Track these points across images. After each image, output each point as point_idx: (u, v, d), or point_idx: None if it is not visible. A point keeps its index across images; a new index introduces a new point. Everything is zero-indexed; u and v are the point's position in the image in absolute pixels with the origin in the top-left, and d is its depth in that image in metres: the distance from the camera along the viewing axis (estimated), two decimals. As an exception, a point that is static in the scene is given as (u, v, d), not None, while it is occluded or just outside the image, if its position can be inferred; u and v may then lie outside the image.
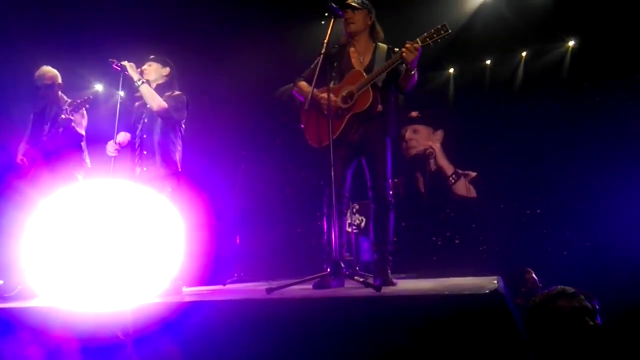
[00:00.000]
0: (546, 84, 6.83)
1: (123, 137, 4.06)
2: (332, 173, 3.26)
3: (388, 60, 3.55)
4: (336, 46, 3.69)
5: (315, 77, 3.37)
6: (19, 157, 4.54)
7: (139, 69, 4.03)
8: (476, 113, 7.08)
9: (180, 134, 4.13)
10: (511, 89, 7.09)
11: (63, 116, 4.35)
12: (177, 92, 4.10)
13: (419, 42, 3.36)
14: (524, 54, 7.09)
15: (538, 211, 6.52)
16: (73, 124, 4.40)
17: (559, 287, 2.21)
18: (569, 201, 6.25)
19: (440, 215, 7.02)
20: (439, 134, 7.42)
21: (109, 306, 2.72)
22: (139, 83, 3.95)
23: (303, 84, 3.72)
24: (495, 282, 3.33)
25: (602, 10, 6.05)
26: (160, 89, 4.07)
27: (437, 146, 7.42)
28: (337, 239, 3.31)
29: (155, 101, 3.92)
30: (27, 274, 3.15)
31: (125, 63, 3.98)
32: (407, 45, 3.34)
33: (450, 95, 7.46)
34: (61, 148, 4.40)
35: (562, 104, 6.61)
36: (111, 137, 4.03)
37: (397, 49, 3.60)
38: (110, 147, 4.01)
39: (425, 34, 3.37)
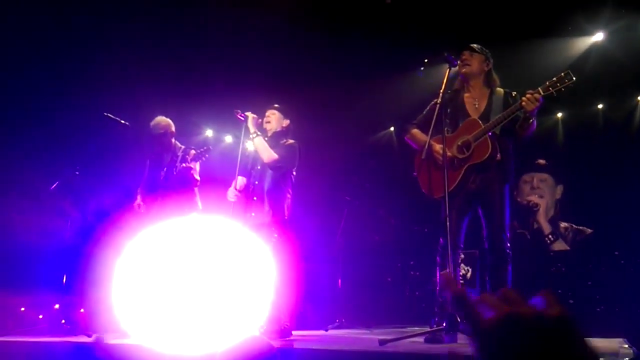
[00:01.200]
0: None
1: (241, 182, 4.26)
2: (448, 224, 3.20)
3: (505, 105, 3.48)
4: (449, 92, 3.64)
5: (432, 126, 3.36)
6: (137, 202, 4.86)
7: (260, 119, 4.23)
8: (590, 160, 6.76)
9: (290, 182, 4.24)
10: (627, 134, 6.69)
11: (183, 165, 4.62)
12: (290, 141, 4.24)
13: (541, 92, 3.25)
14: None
15: None
16: (192, 171, 4.67)
17: None
18: None
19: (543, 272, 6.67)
20: (560, 188, 7.11)
21: (203, 348, 2.71)
22: (254, 136, 4.14)
23: (416, 131, 3.71)
24: (626, 345, 3.09)
25: None
26: (275, 137, 4.24)
27: (544, 202, 7.11)
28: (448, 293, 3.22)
29: (266, 153, 4.07)
30: (121, 313, 3.13)
31: (248, 114, 4.18)
32: (528, 95, 3.25)
33: (560, 140, 7.16)
34: (177, 193, 4.65)
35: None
36: (224, 181, 4.25)
37: (515, 93, 3.54)
38: (231, 193, 4.18)
39: (547, 82, 3.26)
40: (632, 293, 5.84)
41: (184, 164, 4.61)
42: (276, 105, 4.36)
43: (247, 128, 4.18)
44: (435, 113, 3.38)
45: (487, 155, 3.38)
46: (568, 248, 6.81)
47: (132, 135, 5.30)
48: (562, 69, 6.22)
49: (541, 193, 7.19)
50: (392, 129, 8.10)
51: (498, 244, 3.41)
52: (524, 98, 3.26)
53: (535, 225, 7.11)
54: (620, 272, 6.18)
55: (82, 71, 5.66)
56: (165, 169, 4.82)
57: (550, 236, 6.99)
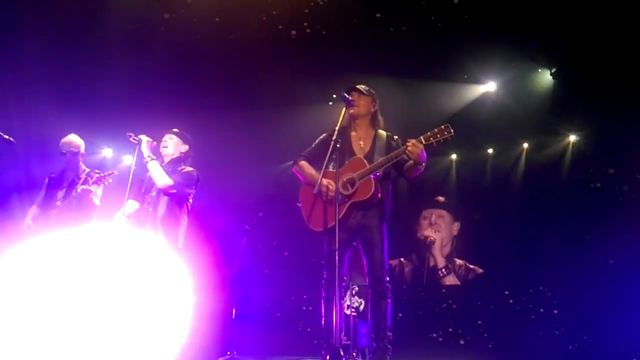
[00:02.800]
0: (547, 178, 6.93)
1: (131, 206, 4.09)
2: (337, 257, 3.25)
3: (388, 148, 3.65)
4: (338, 129, 3.68)
5: (327, 161, 3.44)
6: (27, 221, 4.55)
7: (155, 143, 4.13)
8: (482, 201, 7.20)
9: (186, 209, 4.16)
10: (513, 180, 7.19)
11: (84, 186, 4.41)
12: (188, 168, 4.18)
13: (423, 141, 3.43)
14: (525, 145, 7.24)
15: (555, 311, 6.37)
16: (91, 195, 4.46)
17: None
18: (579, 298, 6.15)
19: (435, 309, 6.93)
20: (457, 225, 7.41)
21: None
22: (148, 160, 4.04)
23: (304, 163, 3.78)
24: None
25: (602, 106, 6.24)
26: (173, 163, 4.17)
27: (439, 237, 7.41)
28: (337, 325, 3.27)
29: (160, 179, 3.99)
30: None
31: (142, 137, 4.08)
32: (409, 145, 3.41)
33: (452, 182, 7.56)
34: (73, 216, 4.42)
35: (562, 199, 6.68)
36: (119, 204, 4.07)
37: (397, 137, 3.74)
38: (118, 218, 4.02)
39: (428, 133, 3.44)
40: (521, 330, 6.18)
41: (84, 186, 4.41)
42: (175, 130, 4.30)
43: (140, 151, 4.06)
44: (330, 149, 3.46)
45: (370, 194, 3.51)
46: (459, 283, 7.10)
47: (18, 152, 4.99)
48: (455, 112, 6.71)
49: (438, 228, 7.48)
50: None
51: (377, 279, 3.53)
52: (409, 145, 3.41)
53: (431, 261, 7.37)
54: (508, 310, 6.53)
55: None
56: (64, 189, 4.58)
57: (443, 270, 7.24)
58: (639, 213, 6.06)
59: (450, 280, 7.19)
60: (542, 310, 6.40)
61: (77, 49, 5.71)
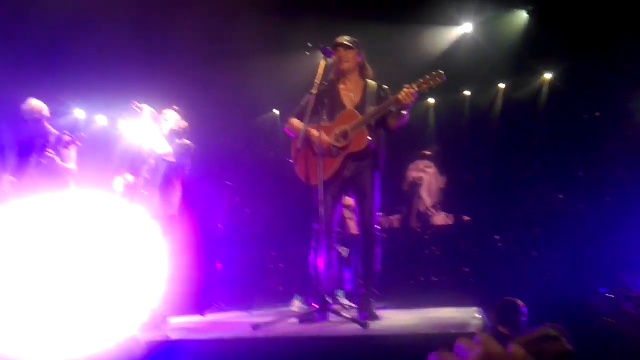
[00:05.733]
0: (525, 115, 7.00)
1: (128, 177, 4.25)
2: (323, 211, 3.33)
3: (378, 98, 3.64)
4: (325, 83, 3.71)
5: (308, 114, 3.44)
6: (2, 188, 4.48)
7: (157, 114, 4.27)
8: (457, 145, 7.22)
9: (182, 179, 4.33)
10: (491, 120, 7.23)
11: (51, 152, 4.35)
12: (186, 141, 4.33)
13: (416, 87, 3.43)
14: (502, 85, 7.26)
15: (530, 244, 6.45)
16: (64, 159, 4.42)
17: (544, 327, 2.25)
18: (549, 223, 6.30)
19: (424, 250, 6.96)
20: (443, 179, 7.28)
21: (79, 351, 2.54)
22: (151, 127, 4.17)
23: (295, 120, 3.76)
24: (478, 315, 3.40)
25: (577, 44, 6.26)
26: (172, 135, 4.29)
27: (427, 178, 7.33)
28: (325, 273, 3.38)
29: (162, 146, 4.14)
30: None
31: (144, 106, 4.16)
32: (405, 90, 3.41)
33: (430, 127, 7.58)
34: (47, 183, 4.37)
35: (539, 134, 6.77)
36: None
37: (385, 87, 3.71)
38: (119, 182, 4.19)
39: (420, 79, 3.46)
40: (507, 272, 6.26)
41: (51, 152, 4.35)
42: (175, 107, 4.41)
43: (141, 120, 4.14)
44: (311, 103, 3.47)
45: (365, 144, 3.53)
46: (451, 223, 6.97)
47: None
48: (432, 57, 6.66)
49: (425, 172, 7.38)
50: (275, 111, 8.09)
51: (368, 227, 3.61)
52: (401, 93, 3.42)
53: (419, 203, 7.16)
54: (497, 252, 6.60)
55: None
56: (34, 155, 4.49)
57: (432, 209, 7.15)
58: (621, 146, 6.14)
59: (441, 219, 7.06)
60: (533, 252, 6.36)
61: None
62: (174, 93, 4.92)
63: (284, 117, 3.89)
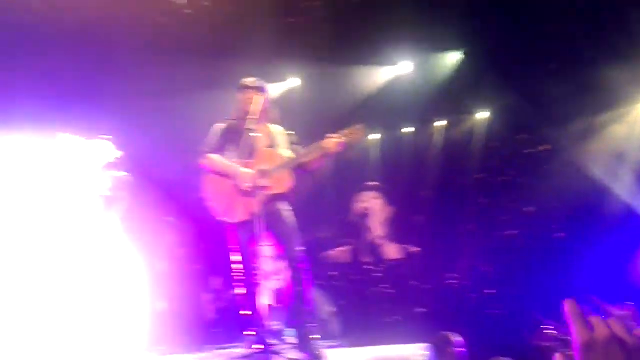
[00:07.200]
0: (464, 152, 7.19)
1: None
2: (246, 250, 3.45)
3: (289, 142, 3.75)
4: (234, 120, 3.77)
5: (245, 147, 3.48)
6: None
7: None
8: (401, 179, 7.32)
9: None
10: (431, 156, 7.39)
11: None
12: (123, 173, 4.37)
13: (344, 139, 3.53)
14: (440, 123, 7.46)
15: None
16: None
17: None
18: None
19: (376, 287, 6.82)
20: (391, 210, 7.14)
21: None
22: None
23: (215, 156, 3.73)
24: (425, 352, 3.34)
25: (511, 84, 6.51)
26: (107, 167, 4.32)
27: (374, 209, 7.23)
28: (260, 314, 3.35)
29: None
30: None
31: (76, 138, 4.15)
32: (334, 140, 3.51)
33: (372, 164, 7.65)
34: None
35: (481, 170, 6.97)
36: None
37: (293, 132, 3.84)
38: None
39: (346, 130, 3.56)
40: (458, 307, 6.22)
41: None
42: (107, 137, 4.51)
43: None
44: (242, 138, 3.56)
45: (289, 186, 3.60)
46: (402, 257, 6.79)
47: None
48: (370, 95, 6.78)
49: (372, 204, 7.28)
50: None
51: (293, 262, 3.61)
52: (330, 141, 3.51)
53: (368, 234, 6.90)
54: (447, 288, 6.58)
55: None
56: None
57: (382, 238, 6.91)
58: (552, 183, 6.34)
59: (392, 251, 6.85)
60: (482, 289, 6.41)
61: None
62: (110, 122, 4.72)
63: (200, 153, 3.80)
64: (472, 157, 7.11)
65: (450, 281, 6.42)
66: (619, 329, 0.75)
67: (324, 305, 4.92)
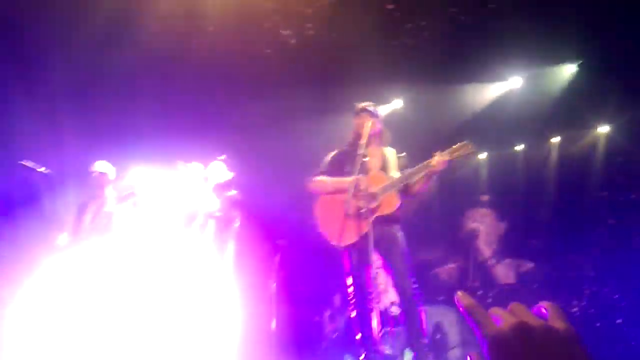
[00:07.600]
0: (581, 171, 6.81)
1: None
2: (358, 273, 3.44)
3: (398, 164, 3.76)
4: (347, 145, 3.84)
5: (357, 166, 3.50)
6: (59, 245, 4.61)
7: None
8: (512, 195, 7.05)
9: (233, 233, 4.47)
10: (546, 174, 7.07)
11: (105, 209, 4.49)
12: (233, 193, 4.44)
13: (448, 156, 3.49)
14: (555, 139, 7.12)
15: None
16: (117, 216, 4.54)
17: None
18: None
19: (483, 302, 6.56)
20: (503, 225, 6.99)
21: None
22: (198, 185, 4.36)
23: (325, 177, 3.81)
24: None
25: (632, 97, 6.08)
26: (219, 188, 4.40)
27: (484, 229, 7.02)
28: (372, 338, 3.32)
29: (206, 203, 4.29)
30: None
31: (191, 164, 4.34)
32: (438, 158, 3.47)
33: (482, 182, 7.44)
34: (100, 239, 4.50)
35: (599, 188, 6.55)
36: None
37: (403, 153, 3.85)
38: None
39: (453, 147, 3.52)
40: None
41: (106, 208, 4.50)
42: (223, 157, 4.55)
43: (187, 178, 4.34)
44: (358, 160, 3.52)
45: (395, 207, 3.56)
46: (514, 281, 6.51)
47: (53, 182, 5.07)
48: (479, 112, 6.62)
49: (481, 222, 7.11)
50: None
51: (405, 291, 3.56)
52: (434, 159, 3.47)
53: (477, 254, 6.71)
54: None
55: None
56: (92, 215, 4.65)
57: (492, 259, 6.73)
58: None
59: (501, 271, 6.58)
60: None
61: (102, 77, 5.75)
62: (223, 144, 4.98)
63: (309, 178, 3.89)
64: (593, 173, 6.70)
65: (573, 309, 5.99)
66: (524, 314, 0.68)
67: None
